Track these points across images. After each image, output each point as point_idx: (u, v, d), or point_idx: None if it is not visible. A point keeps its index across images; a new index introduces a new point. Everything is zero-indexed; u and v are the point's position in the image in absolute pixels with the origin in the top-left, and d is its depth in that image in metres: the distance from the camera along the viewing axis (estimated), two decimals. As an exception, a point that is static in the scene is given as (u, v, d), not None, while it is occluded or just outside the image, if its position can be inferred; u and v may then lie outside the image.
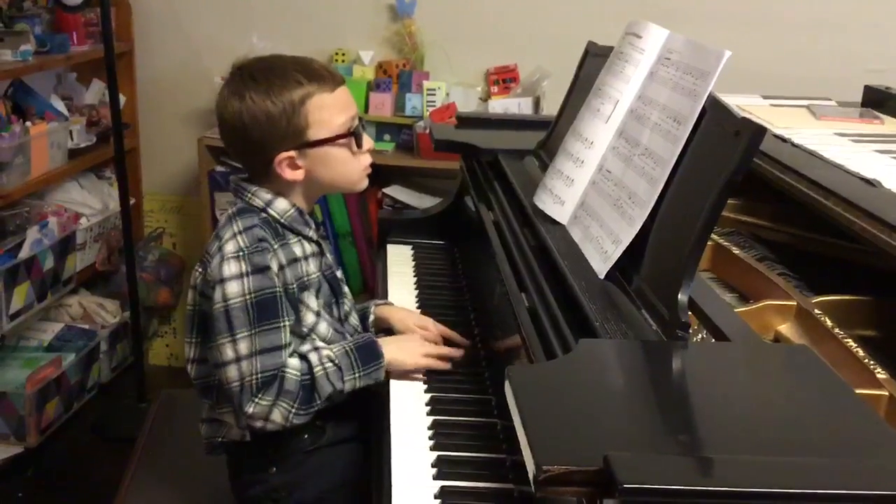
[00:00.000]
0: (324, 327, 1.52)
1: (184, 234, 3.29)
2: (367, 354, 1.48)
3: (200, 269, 1.47)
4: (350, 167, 1.51)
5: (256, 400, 1.39)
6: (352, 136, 1.49)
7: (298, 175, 1.47)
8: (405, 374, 1.52)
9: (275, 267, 1.43)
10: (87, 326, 2.95)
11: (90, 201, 2.97)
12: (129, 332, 3.00)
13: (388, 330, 1.67)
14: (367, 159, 1.54)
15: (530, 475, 0.80)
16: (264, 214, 1.47)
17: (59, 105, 2.87)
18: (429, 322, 1.65)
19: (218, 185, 2.91)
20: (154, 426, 1.92)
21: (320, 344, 1.48)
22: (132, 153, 3.11)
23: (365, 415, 1.54)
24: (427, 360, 1.51)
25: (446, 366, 1.53)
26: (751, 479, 0.78)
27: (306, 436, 1.49)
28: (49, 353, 2.81)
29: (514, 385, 0.93)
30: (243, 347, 1.39)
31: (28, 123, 2.62)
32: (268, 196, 1.48)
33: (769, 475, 0.78)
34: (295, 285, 1.47)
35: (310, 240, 1.53)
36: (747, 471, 0.79)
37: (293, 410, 1.41)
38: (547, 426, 0.87)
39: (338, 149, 1.48)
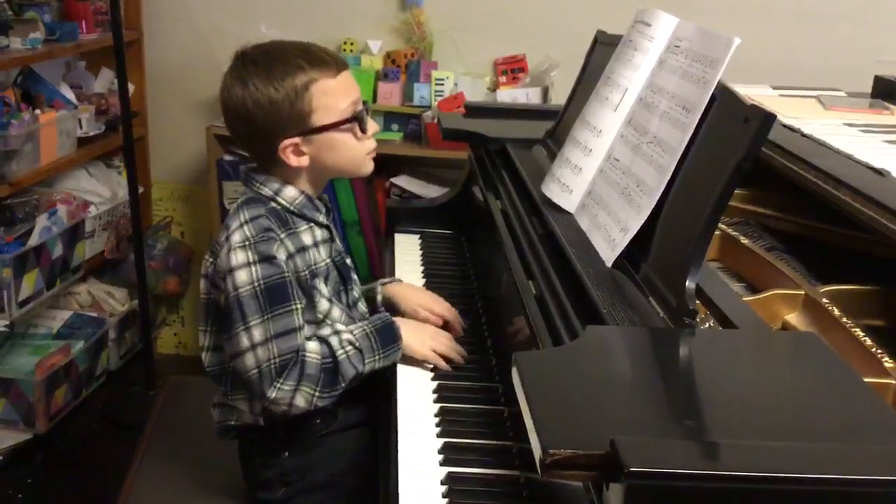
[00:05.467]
0: (337, 312, 1.52)
1: (192, 223, 3.29)
2: (386, 336, 1.48)
3: (211, 259, 1.47)
4: (355, 152, 1.51)
5: (278, 385, 1.39)
6: (355, 120, 1.48)
7: (303, 161, 1.47)
8: (413, 361, 1.52)
9: (282, 256, 1.43)
10: (95, 314, 2.96)
11: (99, 189, 2.98)
12: (137, 320, 3.01)
13: (396, 309, 1.66)
14: (371, 143, 1.53)
15: (536, 459, 0.80)
16: (273, 204, 1.47)
17: (69, 93, 2.88)
18: (435, 299, 1.65)
19: (226, 173, 2.92)
20: (162, 413, 1.93)
21: (340, 327, 1.48)
22: (141, 142, 3.12)
23: (376, 399, 1.54)
24: (434, 355, 1.51)
25: (446, 367, 1.51)
26: (756, 463, 0.78)
27: (318, 420, 1.50)
28: (58, 340, 2.83)
29: (521, 370, 0.93)
30: (257, 334, 1.39)
31: (37, 111, 2.63)
32: (276, 185, 1.49)
33: (775, 460, 0.79)
34: (307, 272, 1.47)
35: (320, 225, 1.53)
36: (753, 455, 0.79)
37: (316, 394, 1.41)
38: (553, 411, 0.87)
39: (342, 134, 1.48)
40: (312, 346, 1.42)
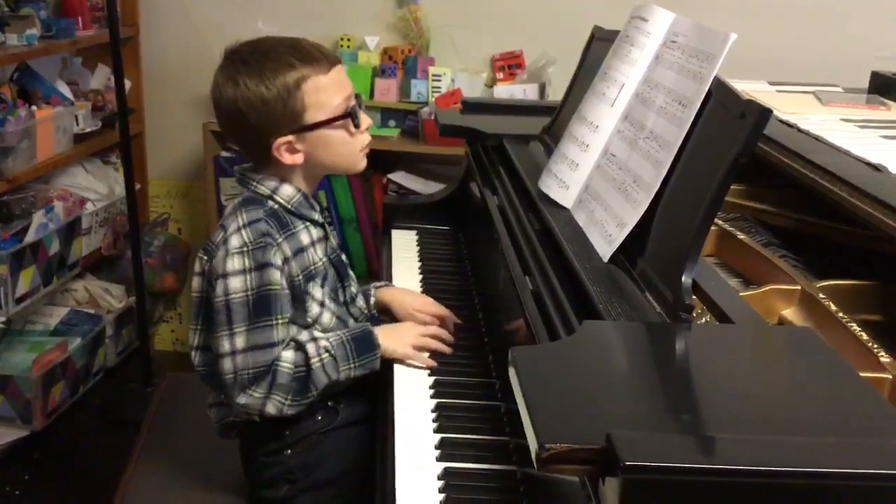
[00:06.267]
0: (327, 318, 1.52)
1: (189, 220, 3.29)
2: (363, 345, 1.48)
3: (206, 258, 1.47)
4: (349, 148, 1.50)
5: (249, 392, 1.41)
6: (349, 116, 1.47)
7: (297, 159, 1.46)
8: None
9: (279, 261, 1.43)
10: (92, 311, 2.96)
11: (95, 186, 2.97)
12: (134, 316, 3.01)
13: (390, 312, 1.67)
14: (365, 138, 1.52)
15: (533, 453, 0.81)
16: (271, 203, 1.47)
17: (65, 89, 2.87)
18: (429, 302, 1.65)
19: (223, 170, 2.92)
20: (159, 410, 1.92)
21: (318, 334, 1.48)
22: (137, 138, 3.11)
23: (376, 396, 1.54)
24: (416, 353, 1.51)
25: (432, 363, 1.51)
26: (752, 457, 0.78)
27: (320, 417, 1.50)
28: (55, 337, 2.82)
29: (517, 365, 0.93)
30: (239, 342, 1.40)
31: (34, 108, 2.62)
32: (273, 183, 1.48)
33: (771, 454, 0.79)
34: (301, 276, 1.47)
35: (315, 223, 1.53)
36: (749, 449, 0.79)
37: (286, 403, 1.42)
38: (550, 405, 0.87)
39: (336, 130, 1.47)
40: (286, 355, 1.43)
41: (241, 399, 1.41)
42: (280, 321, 1.42)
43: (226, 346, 1.41)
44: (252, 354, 1.40)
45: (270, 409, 1.42)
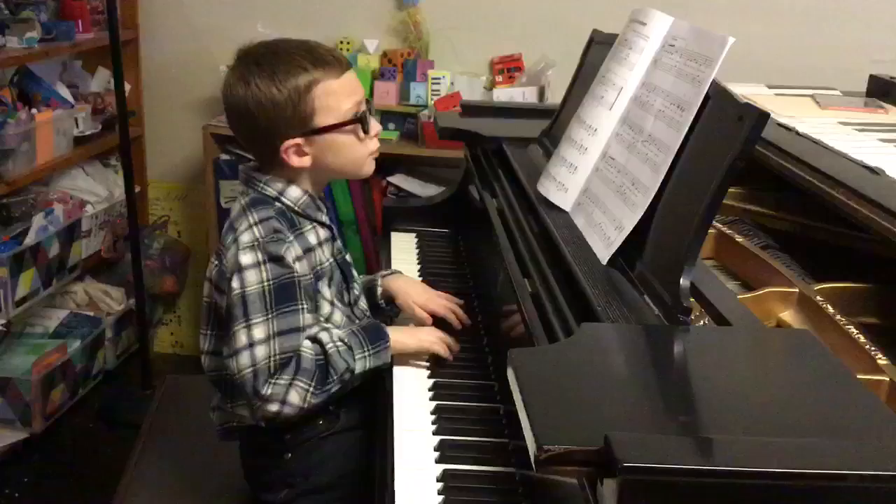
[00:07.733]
0: (338, 316, 1.52)
1: (189, 222, 3.30)
2: (373, 334, 1.48)
3: (216, 262, 1.47)
4: (357, 153, 1.51)
5: (273, 381, 1.38)
6: (358, 121, 1.48)
7: (305, 162, 1.47)
8: (409, 360, 1.52)
9: (290, 258, 1.43)
10: (92, 313, 2.96)
11: (95, 189, 2.98)
12: (133, 319, 3.01)
13: (394, 302, 1.68)
14: (374, 144, 1.53)
15: (531, 454, 0.81)
16: (278, 204, 1.47)
17: (65, 92, 2.88)
18: (432, 297, 1.65)
19: (223, 172, 2.92)
20: (159, 412, 1.93)
21: (330, 326, 1.49)
22: (137, 141, 3.12)
23: (376, 401, 1.55)
24: (426, 345, 1.52)
25: (447, 352, 1.52)
26: (750, 459, 0.78)
27: (321, 421, 1.49)
28: (54, 339, 2.83)
29: (516, 367, 0.94)
30: (258, 332, 1.38)
31: (34, 111, 2.63)
32: (280, 185, 1.48)
33: (768, 455, 0.79)
34: (311, 276, 1.47)
35: (323, 224, 1.53)
36: (746, 451, 0.80)
37: (310, 390, 1.40)
38: (548, 407, 0.87)
39: (344, 135, 1.48)
40: (307, 343, 1.43)
41: (266, 389, 1.38)
42: (304, 306, 1.42)
43: (243, 339, 1.38)
44: (278, 340, 1.38)
45: (294, 397, 1.39)
